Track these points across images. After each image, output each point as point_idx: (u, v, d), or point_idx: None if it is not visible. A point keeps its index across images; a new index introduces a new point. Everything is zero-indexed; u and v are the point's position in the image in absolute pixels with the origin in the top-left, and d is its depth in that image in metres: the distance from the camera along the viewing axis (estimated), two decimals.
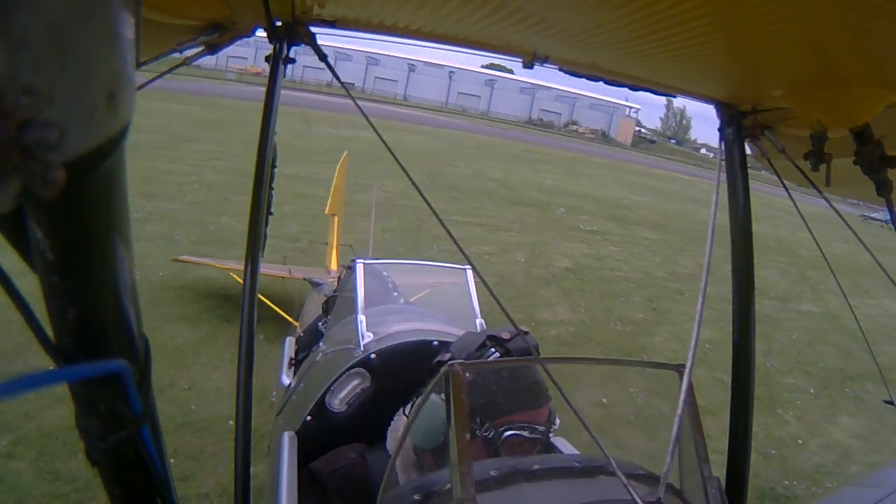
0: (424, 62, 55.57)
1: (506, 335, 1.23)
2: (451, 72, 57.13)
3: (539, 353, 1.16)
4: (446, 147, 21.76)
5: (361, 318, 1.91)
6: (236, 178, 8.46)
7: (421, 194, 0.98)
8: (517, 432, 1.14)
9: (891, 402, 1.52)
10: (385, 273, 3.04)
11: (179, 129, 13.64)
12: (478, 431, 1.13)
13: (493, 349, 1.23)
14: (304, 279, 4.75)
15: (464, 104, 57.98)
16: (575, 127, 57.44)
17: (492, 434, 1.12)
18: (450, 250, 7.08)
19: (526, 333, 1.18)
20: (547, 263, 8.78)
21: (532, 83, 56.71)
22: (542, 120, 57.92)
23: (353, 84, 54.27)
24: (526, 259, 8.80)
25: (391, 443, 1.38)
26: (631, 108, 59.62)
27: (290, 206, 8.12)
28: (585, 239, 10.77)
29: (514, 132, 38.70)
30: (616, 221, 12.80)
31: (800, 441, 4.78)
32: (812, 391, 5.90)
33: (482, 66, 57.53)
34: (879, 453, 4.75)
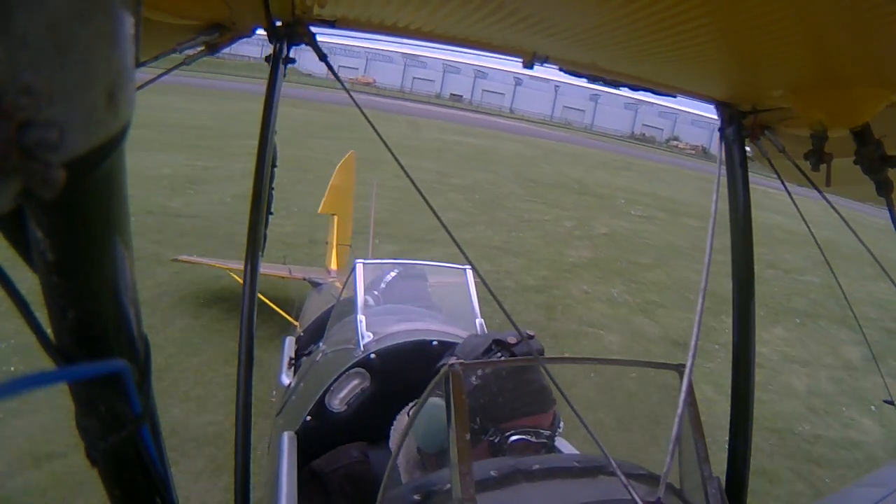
0: (531, 76, 56.24)
1: (511, 339, 1.22)
2: (557, 86, 57.94)
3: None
4: (539, 153, 24.17)
5: (361, 318, 1.91)
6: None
7: (420, 193, 0.98)
8: (523, 437, 1.14)
9: (891, 402, 1.52)
10: (426, 278, 2.89)
11: (306, 128, 17.03)
12: (483, 436, 1.13)
13: (499, 353, 1.22)
14: (304, 279, 4.75)
15: (568, 117, 59.02)
16: (676, 142, 57.81)
17: (498, 439, 1.12)
18: (519, 216, 10.58)
19: (531, 337, 1.18)
20: (589, 229, 11.08)
21: (636, 99, 57.42)
22: (643, 135, 58.71)
23: (461, 96, 56.00)
24: (572, 225, 11.17)
25: (394, 442, 1.38)
26: None
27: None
28: (631, 219, 12.87)
29: (613, 145, 40.30)
30: (667, 212, 14.53)
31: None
32: (762, 313, 7.06)
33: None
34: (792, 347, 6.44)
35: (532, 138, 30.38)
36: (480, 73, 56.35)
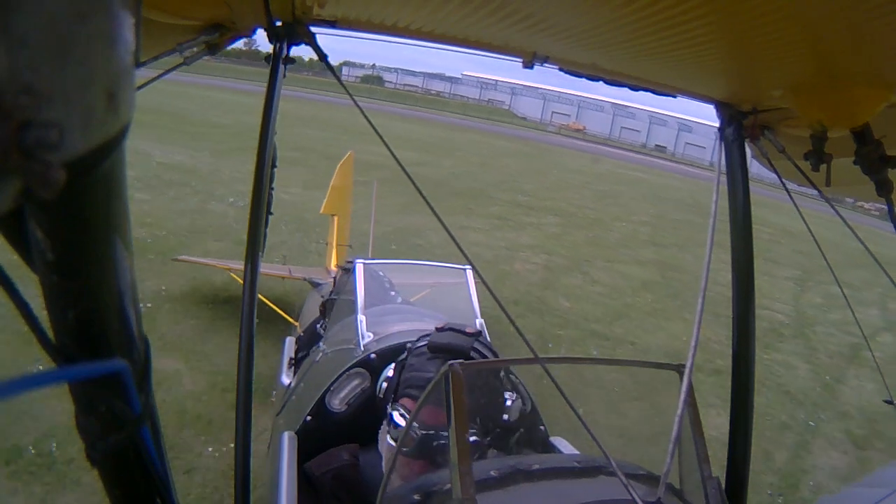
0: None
1: (439, 326, 1.27)
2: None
3: (475, 355, 1.20)
4: (653, 177, 26.44)
5: (361, 318, 1.91)
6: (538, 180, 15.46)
7: (419, 193, 0.98)
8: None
9: (891, 402, 1.52)
10: (381, 273, 3.04)
11: (514, 163, 20.44)
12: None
13: (424, 340, 1.26)
14: (304, 279, 4.75)
15: (761, 173, 61.14)
16: None
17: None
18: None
19: (479, 333, 1.24)
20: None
21: None
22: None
23: (665, 147, 57.23)
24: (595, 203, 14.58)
25: (382, 444, 1.38)
26: None
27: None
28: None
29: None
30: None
31: None
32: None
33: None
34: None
35: (655, 169, 30.64)
36: (685, 127, 57.12)
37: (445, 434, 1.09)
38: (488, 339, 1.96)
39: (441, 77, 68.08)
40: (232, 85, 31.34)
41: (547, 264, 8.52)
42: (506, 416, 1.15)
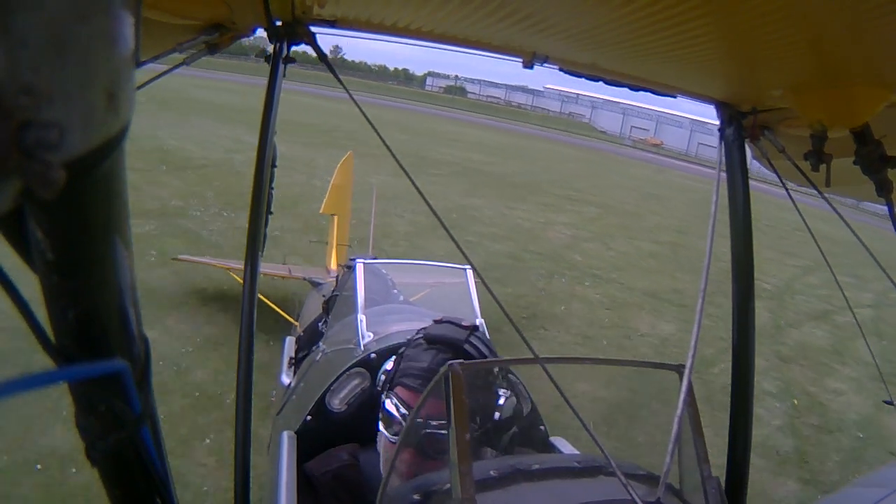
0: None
1: (436, 319, 1.29)
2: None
3: (472, 352, 1.20)
4: (707, 187, 29.36)
5: (361, 317, 1.91)
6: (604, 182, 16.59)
7: (419, 192, 0.98)
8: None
9: (890, 403, 1.52)
10: (384, 271, 3.04)
11: (576, 167, 21.93)
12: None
13: (423, 332, 1.27)
14: (304, 279, 4.76)
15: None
16: None
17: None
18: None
19: (476, 328, 1.25)
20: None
21: None
22: None
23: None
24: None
25: (381, 443, 1.38)
26: None
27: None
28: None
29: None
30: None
31: None
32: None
33: None
34: None
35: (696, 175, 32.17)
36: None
37: (436, 424, 1.10)
38: (487, 336, 1.97)
39: (524, 90, 69.44)
40: (313, 90, 33.89)
41: (575, 235, 10.57)
42: (497, 414, 1.15)
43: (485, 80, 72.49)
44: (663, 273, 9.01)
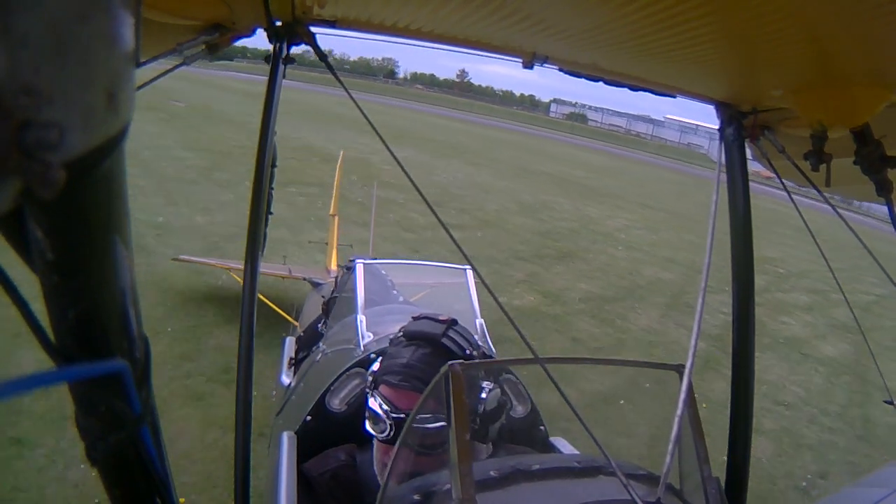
0: None
1: (414, 315, 1.32)
2: None
3: (454, 350, 1.21)
4: (783, 209, 32.23)
5: (361, 318, 1.91)
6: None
7: (418, 191, 0.98)
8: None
9: (891, 403, 1.52)
10: (384, 272, 3.04)
11: (660, 185, 23.64)
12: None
13: (401, 332, 1.29)
14: (304, 279, 4.75)
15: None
16: None
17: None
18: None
19: (454, 322, 1.27)
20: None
21: None
22: None
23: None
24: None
25: (374, 443, 1.38)
26: None
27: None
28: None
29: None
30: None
31: None
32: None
33: None
34: None
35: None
36: None
37: (405, 417, 1.11)
38: (488, 337, 1.97)
39: (645, 119, 70.90)
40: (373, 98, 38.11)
41: (629, 225, 13.10)
42: (482, 407, 1.15)
43: (608, 109, 74.48)
44: (690, 251, 11.01)
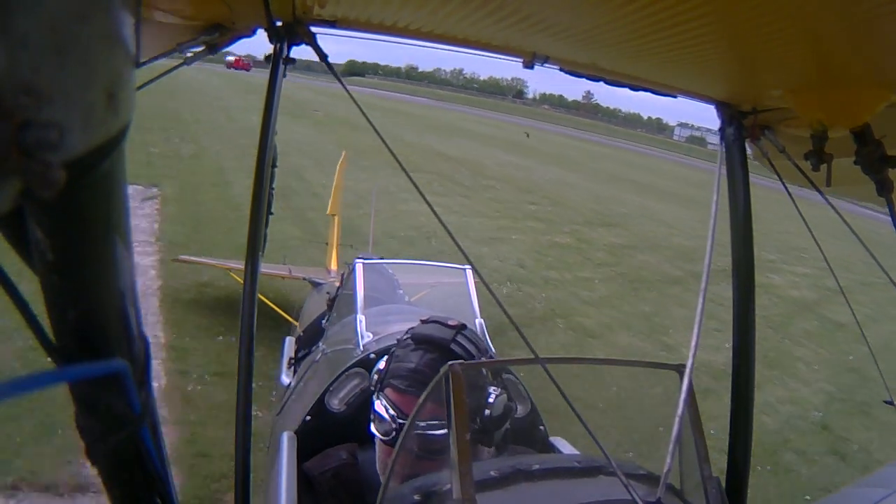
0: None
1: (423, 318, 1.30)
2: None
3: (459, 353, 1.20)
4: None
5: (361, 318, 1.91)
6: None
7: (418, 191, 0.98)
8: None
9: (891, 403, 1.52)
10: (390, 271, 3.04)
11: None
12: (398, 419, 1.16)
13: (409, 334, 1.27)
14: (304, 279, 4.75)
15: None
16: None
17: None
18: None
19: (463, 327, 1.25)
20: None
21: None
22: None
23: None
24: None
25: (377, 443, 1.38)
26: None
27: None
28: None
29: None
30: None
31: None
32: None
33: None
34: None
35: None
36: None
37: (428, 425, 1.10)
38: (488, 337, 1.96)
39: None
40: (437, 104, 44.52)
41: (666, 206, 16.21)
42: (487, 412, 1.15)
43: None
44: (699, 233, 12.41)
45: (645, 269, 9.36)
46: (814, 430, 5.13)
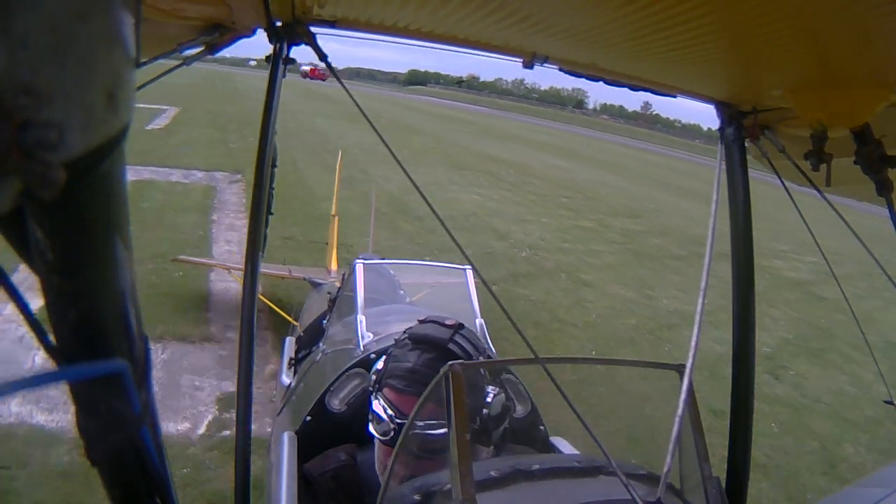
0: None
1: (420, 318, 1.29)
2: None
3: (457, 353, 1.20)
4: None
5: (361, 318, 1.91)
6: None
7: (418, 190, 0.98)
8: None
9: (891, 403, 1.52)
10: (392, 272, 3.04)
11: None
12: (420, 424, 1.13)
13: (406, 333, 1.27)
14: (304, 279, 4.75)
15: None
16: None
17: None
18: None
19: (461, 327, 1.25)
20: None
21: None
22: None
23: None
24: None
25: (376, 443, 1.38)
26: None
27: None
28: None
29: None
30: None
31: None
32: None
33: None
34: None
35: None
36: None
37: (426, 424, 1.10)
38: (487, 337, 1.96)
39: None
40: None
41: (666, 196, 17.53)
42: (485, 411, 1.15)
43: None
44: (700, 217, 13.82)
45: (653, 249, 10.34)
46: (758, 359, 5.33)
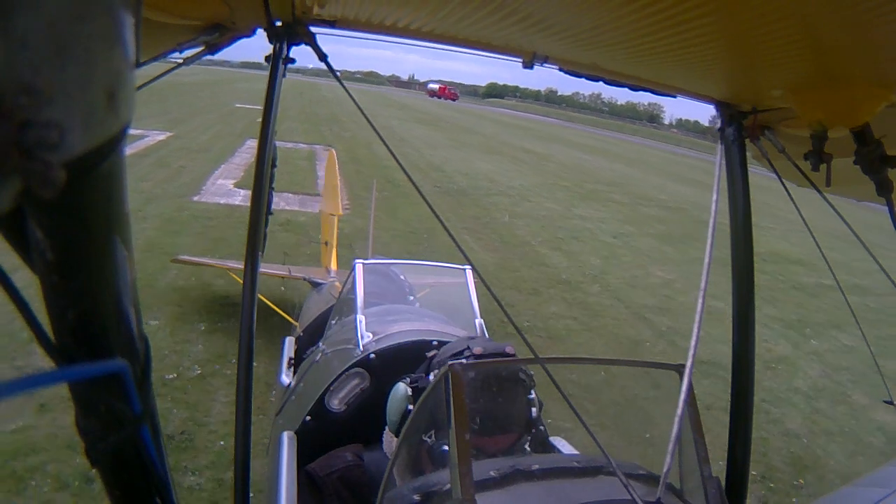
0: None
1: (478, 350, 1.21)
2: None
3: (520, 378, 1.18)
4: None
5: (361, 318, 1.91)
6: None
7: (418, 191, 0.98)
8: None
9: (891, 403, 1.52)
10: (402, 276, 3.03)
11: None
12: (425, 436, 1.12)
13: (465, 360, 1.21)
14: (304, 279, 4.75)
15: None
16: None
17: (433, 445, 1.11)
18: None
19: (511, 355, 1.21)
20: None
21: None
22: None
23: None
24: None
25: (387, 444, 1.38)
26: None
27: None
28: None
29: None
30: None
31: None
32: None
33: None
34: None
35: None
36: None
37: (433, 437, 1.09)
38: (487, 336, 1.96)
39: None
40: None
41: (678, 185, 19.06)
42: (533, 409, 1.20)
43: None
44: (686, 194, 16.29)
45: (593, 193, 13.57)
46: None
